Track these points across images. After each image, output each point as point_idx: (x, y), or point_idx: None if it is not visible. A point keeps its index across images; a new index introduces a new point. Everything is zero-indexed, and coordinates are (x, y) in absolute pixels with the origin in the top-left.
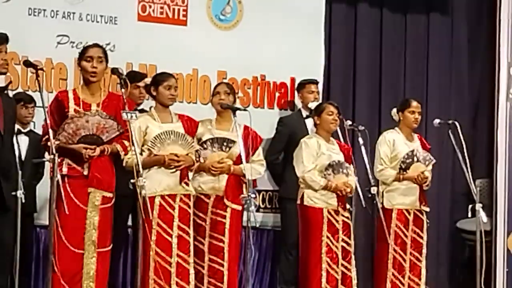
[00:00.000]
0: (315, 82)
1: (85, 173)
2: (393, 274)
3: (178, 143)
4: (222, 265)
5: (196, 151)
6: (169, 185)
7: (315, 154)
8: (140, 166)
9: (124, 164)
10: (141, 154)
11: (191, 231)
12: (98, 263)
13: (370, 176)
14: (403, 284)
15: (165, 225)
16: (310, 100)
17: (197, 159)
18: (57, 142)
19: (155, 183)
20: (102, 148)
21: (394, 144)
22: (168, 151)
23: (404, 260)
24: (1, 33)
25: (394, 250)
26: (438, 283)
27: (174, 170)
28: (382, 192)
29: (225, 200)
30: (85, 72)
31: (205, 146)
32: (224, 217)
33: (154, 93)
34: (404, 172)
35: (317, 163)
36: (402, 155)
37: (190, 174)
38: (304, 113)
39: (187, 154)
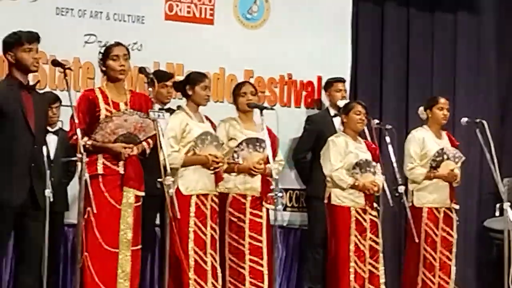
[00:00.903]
0: (343, 81)
1: (121, 172)
2: (423, 274)
3: (213, 144)
4: (262, 265)
5: (235, 151)
6: (205, 184)
7: (342, 153)
8: (175, 164)
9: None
10: (177, 151)
11: (218, 230)
12: (132, 262)
13: (398, 175)
14: (433, 283)
15: (200, 224)
16: (337, 98)
17: (236, 160)
18: (89, 142)
19: (193, 182)
20: (138, 147)
21: (424, 142)
22: (207, 152)
23: (434, 259)
24: (33, 32)
25: (425, 249)
26: (466, 282)
27: (213, 171)
28: (412, 191)
29: (264, 202)
30: (113, 71)
31: (241, 147)
32: (261, 217)
33: (190, 92)
34: (435, 170)
35: (345, 162)
36: (432, 153)
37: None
38: (332, 111)
39: None
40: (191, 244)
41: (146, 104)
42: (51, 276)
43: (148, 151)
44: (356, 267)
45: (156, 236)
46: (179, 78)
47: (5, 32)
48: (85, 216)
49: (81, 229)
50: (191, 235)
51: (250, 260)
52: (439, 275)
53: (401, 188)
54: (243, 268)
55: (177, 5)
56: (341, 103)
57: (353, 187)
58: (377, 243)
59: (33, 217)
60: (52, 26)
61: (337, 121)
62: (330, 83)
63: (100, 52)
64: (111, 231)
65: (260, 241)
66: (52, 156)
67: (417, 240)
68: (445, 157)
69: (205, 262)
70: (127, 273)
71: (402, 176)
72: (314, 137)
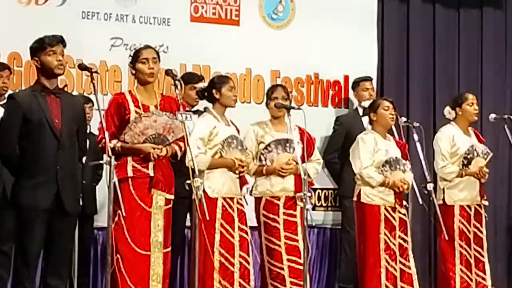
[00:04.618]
0: (370, 79)
1: (151, 174)
2: (461, 270)
3: (238, 148)
4: (301, 264)
5: (262, 154)
6: (231, 188)
7: (372, 150)
8: (201, 166)
9: (187, 163)
10: (204, 153)
11: (248, 230)
12: (164, 264)
13: (426, 173)
14: (471, 280)
15: (227, 226)
16: (365, 97)
17: (264, 162)
18: (119, 144)
19: (219, 185)
20: (167, 149)
21: (454, 139)
22: (233, 155)
23: (470, 256)
24: (56, 35)
25: (460, 246)
26: (496, 278)
27: (239, 174)
28: (443, 189)
29: (297, 201)
30: (142, 74)
31: (269, 148)
32: (295, 216)
33: (217, 96)
34: (466, 168)
35: (374, 159)
36: (462, 150)
37: (250, 178)
38: (361, 111)
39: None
40: (216, 245)
41: (175, 107)
42: (81, 278)
43: (179, 154)
44: (388, 265)
45: (185, 239)
46: (201, 85)
47: (32, 37)
48: (116, 219)
49: (111, 232)
50: (217, 237)
51: (288, 260)
52: (475, 272)
53: (430, 186)
54: (282, 268)
55: (203, 7)
56: (365, 104)
57: (382, 184)
58: (405, 241)
59: (60, 221)
60: (78, 30)
61: (366, 120)
62: (357, 83)
63: (130, 55)
64: (142, 234)
65: (296, 240)
66: (83, 159)
67: (447, 238)
68: (475, 154)
69: (232, 264)
70: (160, 275)
71: (430, 173)
72: (343, 137)
